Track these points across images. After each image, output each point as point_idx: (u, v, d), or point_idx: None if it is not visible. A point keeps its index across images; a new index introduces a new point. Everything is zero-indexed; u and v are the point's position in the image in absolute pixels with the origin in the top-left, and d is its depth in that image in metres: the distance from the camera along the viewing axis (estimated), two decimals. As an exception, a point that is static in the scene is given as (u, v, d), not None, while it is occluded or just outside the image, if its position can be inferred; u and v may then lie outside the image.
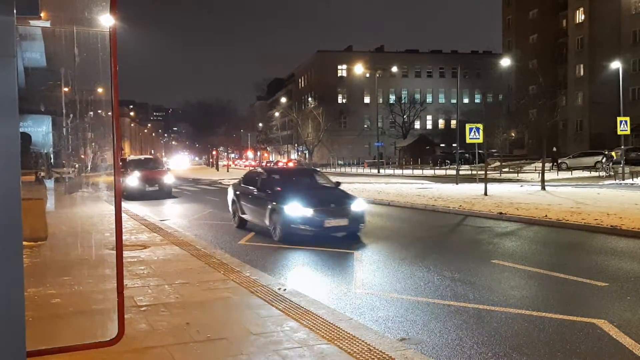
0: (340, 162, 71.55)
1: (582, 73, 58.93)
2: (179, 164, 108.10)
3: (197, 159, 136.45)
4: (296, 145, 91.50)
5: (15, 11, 2.11)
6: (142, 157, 30.00)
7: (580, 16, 58.97)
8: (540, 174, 24.75)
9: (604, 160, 34.70)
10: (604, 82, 52.21)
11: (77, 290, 7.07)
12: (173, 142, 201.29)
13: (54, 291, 6.85)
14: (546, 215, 14.09)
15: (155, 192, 23.92)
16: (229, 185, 18.83)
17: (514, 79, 66.81)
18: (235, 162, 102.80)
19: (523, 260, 9.32)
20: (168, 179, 24.91)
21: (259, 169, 14.98)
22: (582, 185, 26.24)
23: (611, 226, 12.13)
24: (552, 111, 34.30)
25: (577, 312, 6.28)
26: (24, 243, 2.17)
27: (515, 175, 39.47)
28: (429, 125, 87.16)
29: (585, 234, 12.12)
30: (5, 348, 2.11)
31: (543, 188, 22.66)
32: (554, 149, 41.99)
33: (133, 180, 23.54)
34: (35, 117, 3.28)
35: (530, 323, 6.03)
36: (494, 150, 54.98)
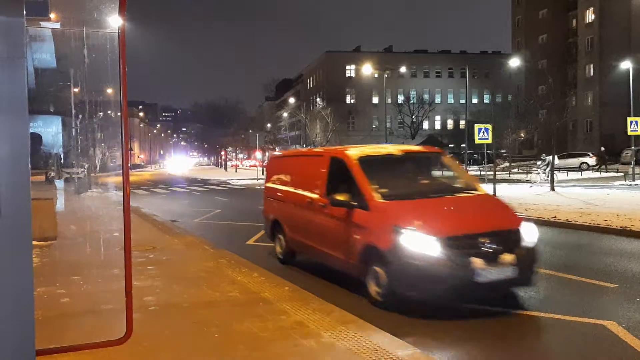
0: None
1: (592, 73, 58.58)
2: (180, 165, 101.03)
3: (205, 159, 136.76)
4: (304, 145, 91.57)
5: (25, 13, 2.13)
6: (410, 149, 9.21)
7: (590, 16, 58.62)
8: (549, 175, 24.62)
9: (539, 164, 32.68)
10: (614, 82, 51.79)
11: (86, 290, 7.11)
12: (182, 143, 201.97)
13: (63, 290, 6.89)
14: (555, 216, 14.01)
15: (502, 284, 6.56)
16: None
17: (523, 79, 66.55)
18: (243, 162, 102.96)
19: (532, 261, 9.25)
20: (530, 235, 6.95)
21: None
22: (591, 186, 26.08)
23: (621, 227, 12.04)
24: (562, 112, 34.16)
25: (586, 314, 6.23)
26: (34, 243, 2.19)
27: (525, 175, 39.28)
28: (438, 126, 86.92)
29: (594, 234, 12.04)
30: (15, 347, 2.13)
31: (552, 189, 22.54)
32: (602, 148, 40.32)
33: (428, 244, 6.32)
34: (45, 117, 3.30)
35: (539, 325, 6.00)
36: (503, 151, 54.68)
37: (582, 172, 37.65)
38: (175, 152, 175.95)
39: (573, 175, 37.14)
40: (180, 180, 45.62)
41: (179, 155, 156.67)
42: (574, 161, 42.20)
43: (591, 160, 42.24)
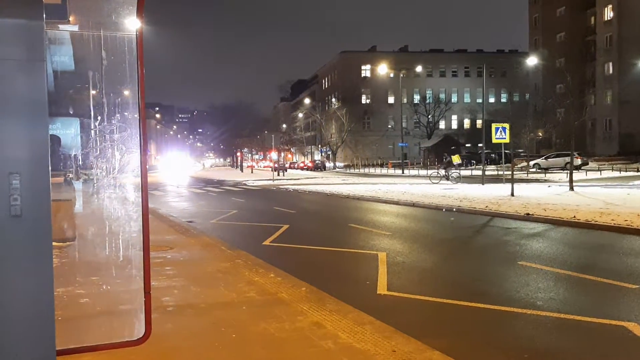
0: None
1: (611, 71, 57.85)
2: (178, 170, 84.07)
3: (222, 160, 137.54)
4: (320, 146, 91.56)
5: (44, 16, 2.15)
6: None
7: (608, 13, 57.90)
8: (568, 174, 24.36)
9: (442, 164, 34.47)
10: (634, 81, 51.13)
11: (105, 290, 7.17)
12: (198, 144, 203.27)
13: (83, 291, 6.96)
14: (574, 216, 13.84)
15: None
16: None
17: (541, 78, 65.92)
18: (259, 163, 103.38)
19: (551, 262, 9.18)
20: None
21: None
22: (611, 186, 25.74)
23: (642, 227, 11.87)
24: (580, 110, 33.70)
25: (606, 315, 6.15)
26: (54, 244, 2.21)
27: (543, 175, 38.91)
28: (454, 125, 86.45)
29: (614, 235, 11.87)
30: (36, 346, 2.15)
31: (571, 188, 22.30)
32: None
33: None
34: (63, 119, 3.33)
35: (559, 326, 5.93)
36: (520, 150, 54.25)
37: (598, 173, 37.79)
38: (168, 148, 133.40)
39: (592, 174, 36.71)
40: (196, 182, 45.92)
41: (176, 152, 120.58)
42: (560, 160, 44.60)
43: (576, 160, 43.28)
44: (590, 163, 45.89)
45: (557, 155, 46.60)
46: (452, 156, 34.47)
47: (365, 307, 6.39)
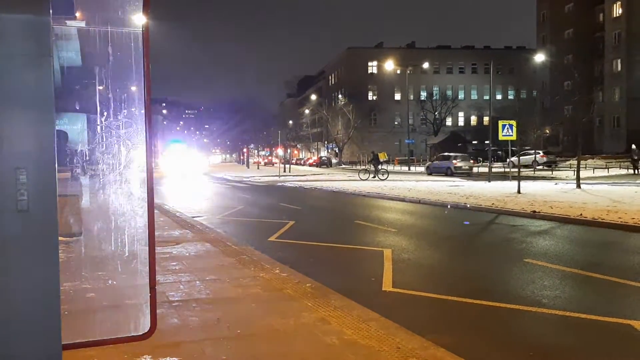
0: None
1: (619, 68, 57.52)
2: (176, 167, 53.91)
3: (228, 156, 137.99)
4: (326, 142, 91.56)
5: (51, 12, 2.16)
6: None
7: (617, 10, 57.55)
8: (575, 172, 24.26)
9: (370, 161, 38.26)
10: (642, 78, 50.72)
11: (111, 285, 7.20)
12: (205, 140, 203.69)
13: (88, 286, 6.99)
14: (581, 214, 13.79)
15: None
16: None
17: (549, 75, 65.68)
18: (264, 160, 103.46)
19: (557, 260, 9.15)
20: None
21: None
22: (619, 184, 25.62)
23: (649, 225, 11.81)
24: (588, 107, 33.53)
25: (612, 313, 6.13)
26: (60, 238, 2.22)
27: (550, 172, 38.76)
28: (461, 122, 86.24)
29: (622, 233, 11.83)
30: (42, 341, 2.17)
31: (578, 186, 22.21)
32: (633, 146, 38.84)
33: None
34: (70, 115, 3.35)
35: (564, 324, 5.91)
36: (527, 148, 54.15)
37: (603, 170, 37.88)
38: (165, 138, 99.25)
39: (600, 172, 36.56)
40: (202, 178, 46.05)
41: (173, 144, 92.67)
42: (528, 158, 45.44)
43: (540, 158, 45.82)
44: (558, 162, 47.43)
45: (525, 154, 47.97)
46: (379, 154, 38.69)
47: (370, 304, 6.40)
